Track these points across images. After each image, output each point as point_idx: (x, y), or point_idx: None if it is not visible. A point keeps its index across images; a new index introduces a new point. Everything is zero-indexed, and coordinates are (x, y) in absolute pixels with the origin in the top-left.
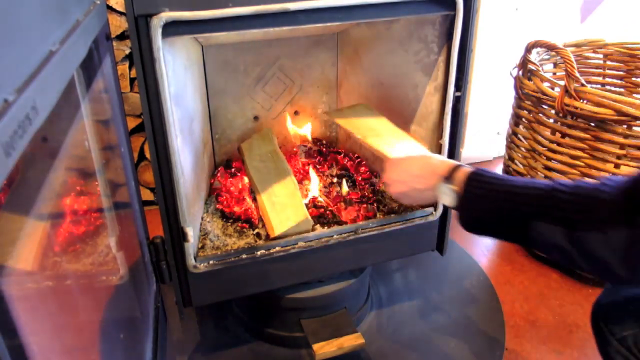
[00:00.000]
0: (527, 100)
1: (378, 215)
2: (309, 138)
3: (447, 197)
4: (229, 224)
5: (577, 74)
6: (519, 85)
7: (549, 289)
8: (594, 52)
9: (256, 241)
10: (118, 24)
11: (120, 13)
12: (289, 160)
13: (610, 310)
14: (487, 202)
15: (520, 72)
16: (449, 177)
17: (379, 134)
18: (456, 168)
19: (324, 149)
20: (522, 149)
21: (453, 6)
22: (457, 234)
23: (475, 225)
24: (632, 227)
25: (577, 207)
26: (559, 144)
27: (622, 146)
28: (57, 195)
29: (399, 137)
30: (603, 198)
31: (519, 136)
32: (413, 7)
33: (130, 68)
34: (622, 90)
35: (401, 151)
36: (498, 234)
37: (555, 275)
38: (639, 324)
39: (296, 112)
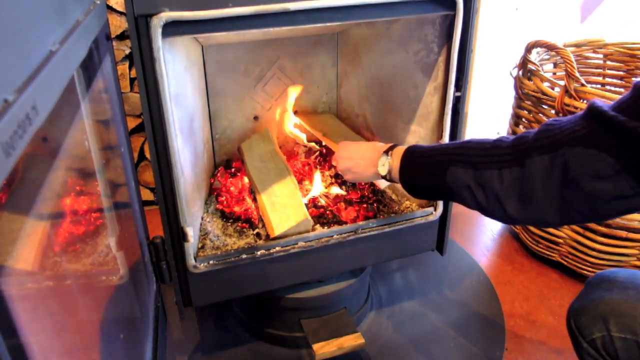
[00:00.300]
0: (527, 100)
1: (378, 215)
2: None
3: (383, 167)
4: (229, 224)
5: (577, 74)
6: (519, 85)
7: (549, 289)
8: (594, 52)
9: (256, 241)
10: (118, 24)
11: (120, 13)
12: (289, 160)
13: (581, 314)
14: (419, 163)
15: (520, 72)
16: (387, 152)
17: (338, 136)
18: (395, 145)
19: (324, 150)
20: None
21: (453, 6)
22: (457, 234)
23: (413, 186)
24: (521, 167)
25: (482, 152)
26: None
27: None
28: (57, 195)
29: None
30: (501, 145)
31: None
32: (413, 7)
33: (130, 68)
34: (622, 90)
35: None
36: (430, 190)
37: (555, 275)
38: (607, 327)
39: (296, 112)
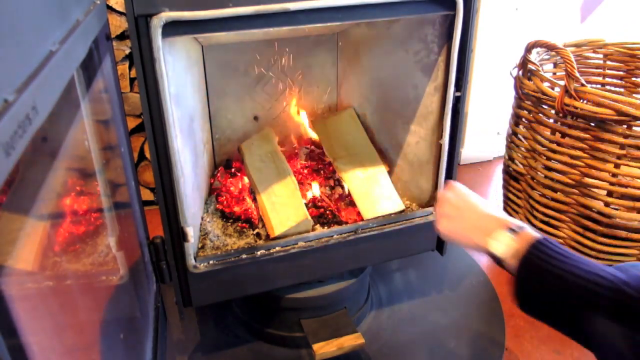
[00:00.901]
0: (527, 100)
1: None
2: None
3: (500, 245)
4: (229, 224)
5: (577, 74)
6: (519, 85)
7: None
8: (594, 52)
9: (256, 241)
10: (118, 24)
11: (120, 13)
12: (289, 161)
13: None
14: (550, 275)
15: (520, 72)
16: (513, 230)
17: (351, 154)
18: (523, 227)
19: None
20: (522, 149)
21: (453, 6)
22: None
23: (532, 298)
24: None
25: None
26: (559, 144)
27: (622, 146)
28: (57, 195)
29: (369, 159)
30: None
31: (519, 136)
32: (413, 7)
33: (130, 68)
34: (622, 90)
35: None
36: (552, 316)
37: None
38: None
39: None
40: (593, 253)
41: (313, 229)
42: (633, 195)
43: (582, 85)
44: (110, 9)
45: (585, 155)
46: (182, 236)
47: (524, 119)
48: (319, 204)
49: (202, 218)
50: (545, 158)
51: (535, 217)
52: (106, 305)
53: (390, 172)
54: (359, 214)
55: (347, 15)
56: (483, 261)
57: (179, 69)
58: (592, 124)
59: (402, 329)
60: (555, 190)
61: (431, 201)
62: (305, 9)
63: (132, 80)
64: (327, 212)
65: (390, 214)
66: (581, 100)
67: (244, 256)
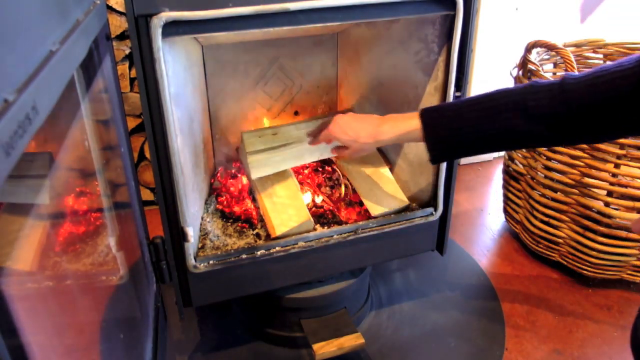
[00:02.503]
0: None
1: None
2: None
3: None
4: (229, 224)
5: None
6: None
7: (549, 289)
8: (594, 52)
9: (256, 241)
10: (118, 24)
11: (120, 13)
12: None
13: None
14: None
15: (520, 72)
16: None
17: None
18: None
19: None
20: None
21: (453, 6)
22: (457, 234)
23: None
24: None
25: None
26: None
27: (622, 146)
28: (57, 195)
29: (371, 158)
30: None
31: None
32: (413, 7)
33: (130, 68)
34: None
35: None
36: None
37: (555, 275)
38: None
39: (296, 112)
40: (593, 253)
41: (313, 229)
42: (633, 195)
43: None
44: (110, 9)
45: (585, 155)
46: (182, 236)
47: None
48: (320, 204)
49: (202, 218)
50: (545, 158)
51: (535, 217)
52: (106, 305)
53: (390, 172)
54: (359, 213)
55: (347, 15)
56: (483, 261)
57: (179, 69)
58: None
59: (402, 329)
60: (555, 190)
61: (431, 201)
62: (305, 9)
63: (132, 80)
64: (327, 212)
65: (391, 214)
66: None
67: (244, 256)
